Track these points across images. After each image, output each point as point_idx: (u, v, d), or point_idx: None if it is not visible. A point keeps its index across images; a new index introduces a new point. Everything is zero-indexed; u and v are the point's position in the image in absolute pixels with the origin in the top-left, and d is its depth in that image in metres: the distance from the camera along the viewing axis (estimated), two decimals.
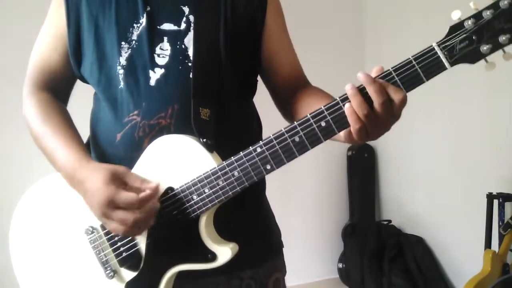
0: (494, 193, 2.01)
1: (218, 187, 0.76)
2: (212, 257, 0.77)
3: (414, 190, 2.72)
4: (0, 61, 2.25)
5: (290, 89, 0.96)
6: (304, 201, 2.94)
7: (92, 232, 0.84)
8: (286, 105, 0.97)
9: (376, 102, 0.67)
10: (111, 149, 0.86)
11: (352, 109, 0.69)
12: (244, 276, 0.90)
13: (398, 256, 2.56)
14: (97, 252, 0.83)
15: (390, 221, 2.84)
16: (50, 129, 0.86)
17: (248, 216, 0.92)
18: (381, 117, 0.69)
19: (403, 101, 0.68)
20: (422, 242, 2.57)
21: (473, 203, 2.17)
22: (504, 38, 0.64)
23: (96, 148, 0.91)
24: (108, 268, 0.82)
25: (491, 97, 2.11)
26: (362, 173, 2.97)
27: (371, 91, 0.67)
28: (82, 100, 1.02)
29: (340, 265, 2.86)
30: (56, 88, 0.94)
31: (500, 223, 1.95)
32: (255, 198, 0.96)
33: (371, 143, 3.01)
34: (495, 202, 1.99)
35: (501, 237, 1.94)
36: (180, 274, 0.81)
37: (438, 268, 2.46)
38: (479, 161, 2.19)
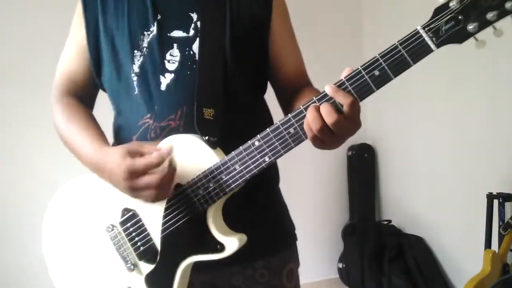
0: (494, 193, 2.01)
1: (222, 181, 0.81)
2: (221, 247, 0.82)
3: (414, 190, 2.72)
4: (0, 61, 2.25)
5: (293, 89, 0.99)
6: (304, 201, 2.94)
7: (112, 230, 0.89)
8: (287, 104, 1.00)
9: (328, 122, 0.71)
10: None
11: (307, 120, 0.73)
12: (257, 266, 0.94)
13: (398, 256, 2.56)
14: (118, 247, 0.89)
15: (390, 221, 2.85)
16: (74, 127, 0.92)
17: (259, 207, 0.95)
18: (336, 132, 0.73)
19: (352, 106, 0.71)
20: (422, 242, 2.58)
21: (473, 203, 2.18)
22: (491, 14, 0.63)
23: None
24: (129, 262, 0.88)
25: (491, 97, 2.11)
26: (362, 173, 2.97)
27: (322, 111, 0.72)
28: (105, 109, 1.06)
29: (340, 265, 2.86)
30: (81, 97, 1.01)
31: (500, 223, 1.96)
32: (267, 190, 0.99)
33: (371, 143, 3.02)
34: (495, 202, 1.99)
35: (501, 237, 1.94)
36: (196, 265, 0.86)
37: (438, 268, 2.47)
38: (479, 161, 2.19)
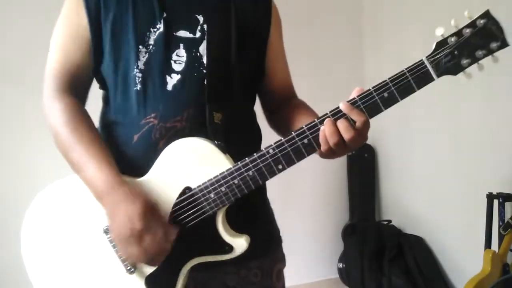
0: (494, 193, 2.01)
1: (234, 185, 0.83)
2: (229, 248, 0.84)
3: (414, 190, 2.72)
4: (0, 61, 2.25)
5: (280, 99, 1.04)
6: (304, 201, 2.94)
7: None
8: (273, 114, 1.04)
9: (345, 137, 0.78)
10: (128, 149, 0.90)
11: (323, 133, 0.79)
12: (252, 266, 0.96)
13: (398, 256, 2.56)
14: (117, 250, 0.87)
15: (390, 221, 2.85)
16: (78, 141, 0.86)
17: (253, 212, 0.97)
18: (348, 145, 0.79)
19: (365, 124, 0.78)
20: (422, 242, 2.58)
21: (473, 203, 2.18)
22: (480, 53, 0.76)
23: (110, 148, 0.91)
24: (129, 264, 0.86)
25: (490, 97, 2.11)
26: (362, 173, 2.97)
27: (340, 127, 0.78)
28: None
29: (340, 265, 2.86)
30: (77, 88, 0.94)
31: (500, 223, 1.95)
32: (259, 196, 1.02)
33: (371, 143, 3.01)
34: (495, 202, 1.99)
35: (501, 237, 1.94)
36: (193, 266, 0.86)
37: (438, 268, 2.47)
38: (479, 161, 2.19)
